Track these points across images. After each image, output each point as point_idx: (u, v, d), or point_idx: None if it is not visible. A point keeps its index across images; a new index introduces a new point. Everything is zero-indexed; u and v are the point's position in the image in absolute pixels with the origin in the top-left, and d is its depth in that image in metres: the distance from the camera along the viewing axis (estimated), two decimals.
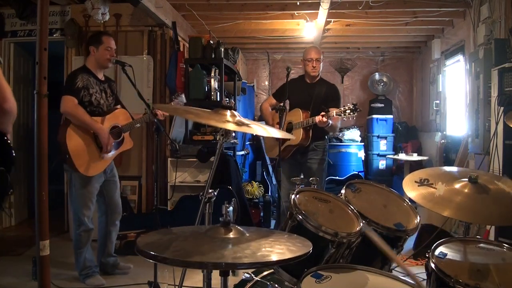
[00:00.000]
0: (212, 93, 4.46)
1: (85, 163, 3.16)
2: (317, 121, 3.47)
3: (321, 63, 3.81)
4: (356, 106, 3.39)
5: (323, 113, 3.46)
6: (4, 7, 4.79)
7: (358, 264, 1.72)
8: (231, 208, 1.45)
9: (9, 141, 1.43)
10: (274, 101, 3.99)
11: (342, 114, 3.41)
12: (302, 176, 3.85)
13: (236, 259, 1.19)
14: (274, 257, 1.24)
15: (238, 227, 1.39)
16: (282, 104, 3.81)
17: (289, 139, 3.64)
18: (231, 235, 1.35)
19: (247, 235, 1.37)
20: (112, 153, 3.29)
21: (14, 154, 1.44)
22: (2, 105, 1.35)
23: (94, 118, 3.19)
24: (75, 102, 3.11)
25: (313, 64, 3.74)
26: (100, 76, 3.32)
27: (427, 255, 1.61)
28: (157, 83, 4.84)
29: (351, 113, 3.39)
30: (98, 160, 3.22)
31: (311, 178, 2.29)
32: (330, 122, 3.48)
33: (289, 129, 3.75)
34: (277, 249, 1.30)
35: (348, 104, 3.42)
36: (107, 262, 3.46)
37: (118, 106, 3.44)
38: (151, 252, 1.20)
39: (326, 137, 3.89)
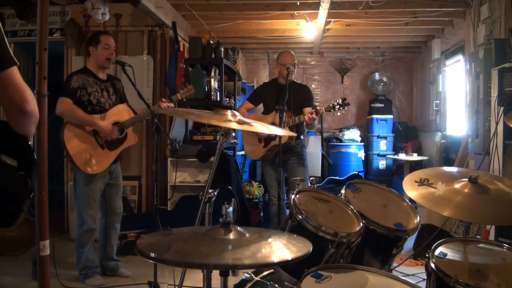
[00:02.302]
0: (212, 93, 4.46)
1: (87, 161, 3.17)
2: (306, 119, 3.61)
3: (296, 68, 3.96)
4: (345, 101, 3.55)
5: (310, 110, 3.61)
6: (4, 7, 4.79)
7: (358, 264, 1.72)
8: (231, 209, 1.45)
9: (31, 145, 1.42)
10: (250, 105, 4.10)
11: (332, 110, 3.57)
12: (286, 175, 3.96)
13: (237, 260, 1.19)
14: (274, 258, 1.24)
15: (238, 228, 1.39)
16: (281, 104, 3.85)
17: (273, 139, 3.78)
18: (231, 236, 1.34)
19: (247, 235, 1.37)
20: (115, 150, 3.28)
21: (35, 158, 1.42)
22: (22, 107, 1.32)
23: (93, 115, 3.19)
24: (69, 102, 3.12)
25: (290, 71, 3.82)
26: (102, 75, 3.32)
27: (427, 255, 1.61)
28: (157, 83, 4.84)
29: (341, 108, 3.54)
30: (100, 157, 3.22)
31: (311, 178, 2.31)
32: (316, 122, 3.68)
33: None
34: (277, 250, 1.30)
35: (337, 100, 3.59)
36: (107, 265, 3.45)
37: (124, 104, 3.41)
38: (152, 254, 1.20)
39: (302, 136, 4.05)
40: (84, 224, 3.24)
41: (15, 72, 1.32)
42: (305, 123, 3.73)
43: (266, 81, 7.78)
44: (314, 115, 3.57)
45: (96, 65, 3.28)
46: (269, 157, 3.90)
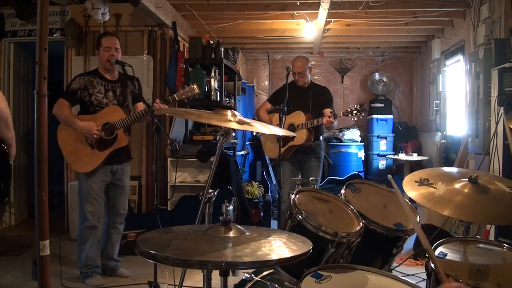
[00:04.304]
0: (212, 93, 4.46)
1: (77, 160, 3.25)
2: (325, 122, 3.68)
3: (306, 73, 3.96)
4: (363, 107, 3.69)
5: (329, 112, 3.69)
6: (4, 7, 4.79)
7: (358, 264, 1.72)
8: (231, 207, 1.45)
9: (4, 147, 1.40)
10: (269, 106, 4.14)
11: (349, 115, 3.68)
12: (300, 174, 4.01)
13: (236, 258, 1.19)
14: (274, 256, 1.24)
15: (238, 226, 1.39)
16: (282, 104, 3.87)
17: (291, 140, 3.84)
18: (231, 234, 1.35)
19: (247, 234, 1.37)
20: (105, 150, 3.25)
21: (10, 162, 1.42)
22: None
23: (84, 116, 3.23)
24: (63, 103, 3.21)
25: (295, 78, 3.93)
26: (110, 76, 3.34)
27: (427, 255, 1.61)
28: (157, 83, 4.84)
29: (358, 113, 3.65)
30: (89, 157, 3.23)
31: (311, 178, 2.32)
32: (336, 123, 3.74)
33: (291, 131, 3.82)
34: (277, 248, 1.30)
35: (355, 105, 3.69)
36: (107, 265, 3.45)
37: (139, 104, 3.39)
38: (151, 251, 1.20)
39: (321, 137, 4.09)
40: (86, 221, 3.25)
41: None
42: (323, 125, 3.81)
43: (267, 81, 7.90)
44: (332, 119, 3.64)
45: (101, 67, 3.34)
46: (285, 157, 3.92)
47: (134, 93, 3.39)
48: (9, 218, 5.03)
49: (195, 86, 3.23)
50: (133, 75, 3.14)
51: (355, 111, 3.64)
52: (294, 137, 3.80)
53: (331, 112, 3.69)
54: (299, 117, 3.86)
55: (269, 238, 1.37)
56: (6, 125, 1.40)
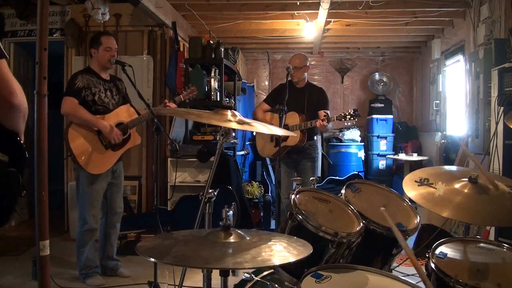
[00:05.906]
0: (212, 93, 4.46)
1: (91, 161, 3.18)
2: (318, 125, 3.67)
3: (302, 70, 3.96)
4: (356, 112, 3.66)
5: (323, 117, 3.66)
6: (4, 7, 4.79)
7: (358, 264, 1.72)
8: (231, 212, 1.45)
9: (21, 141, 1.42)
10: (267, 106, 4.14)
11: (343, 119, 3.68)
12: (296, 174, 4.01)
13: (237, 264, 1.19)
14: (275, 261, 1.25)
15: (238, 231, 1.39)
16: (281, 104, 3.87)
17: (284, 140, 3.84)
18: (231, 239, 1.34)
19: (247, 239, 1.37)
20: (119, 150, 3.28)
21: (27, 155, 1.43)
22: (10, 100, 1.33)
23: (97, 116, 3.20)
24: (75, 102, 3.14)
25: (291, 73, 3.90)
26: (105, 76, 3.34)
27: (427, 255, 1.61)
28: (157, 83, 4.84)
29: (351, 118, 3.65)
30: (104, 157, 3.22)
31: (311, 178, 2.32)
32: (330, 125, 3.71)
33: None
34: (278, 253, 1.30)
35: (349, 110, 3.68)
36: (107, 265, 3.45)
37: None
38: (152, 259, 1.20)
39: (315, 137, 4.10)
40: (86, 224, 3.24)
41: (2, 65, 1.32)
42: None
43: (267, 81, 7.90)
44: (325, 123, 3.63)
45: (98, 66, 3.31)
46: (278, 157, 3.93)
47: (123, 93, 3.43)
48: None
49: (194, 88, 3.53)
50: (118, 77, 3.18)
51: (349, 116, 3.64)
52: (287, 137, 3.79)
53: (324, 116, 3.67)
54: (293, 118, 3.86)
55: (269, 243, 1.37)
56: (24, 119, 1.43)
